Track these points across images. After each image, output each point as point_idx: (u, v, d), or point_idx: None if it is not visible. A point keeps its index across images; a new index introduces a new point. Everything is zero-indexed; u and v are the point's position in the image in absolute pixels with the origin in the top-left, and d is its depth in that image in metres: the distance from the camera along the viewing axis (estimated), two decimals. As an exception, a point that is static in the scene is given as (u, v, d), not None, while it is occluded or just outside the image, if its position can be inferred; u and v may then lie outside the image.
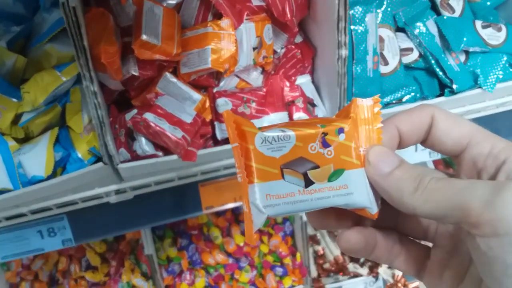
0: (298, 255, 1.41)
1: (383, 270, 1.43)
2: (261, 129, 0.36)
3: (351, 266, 1.43)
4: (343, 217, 0.39)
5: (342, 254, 1.44)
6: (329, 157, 0.36)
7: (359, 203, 0.36)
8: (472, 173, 0.35)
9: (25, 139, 0.80)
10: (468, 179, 0.32)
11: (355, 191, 0.36)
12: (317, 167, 0.36)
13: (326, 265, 1.44)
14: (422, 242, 0.41)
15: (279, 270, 1.38)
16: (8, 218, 0.84)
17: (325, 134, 0.36)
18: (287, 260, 1.40)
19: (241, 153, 0.35)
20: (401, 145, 0.37)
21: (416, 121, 0.36)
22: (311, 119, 0.38)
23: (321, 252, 1.45)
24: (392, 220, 0.40)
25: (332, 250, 1.44)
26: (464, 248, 0.36)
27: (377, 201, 0.36)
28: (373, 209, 0.36)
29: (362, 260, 1.45)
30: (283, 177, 0.35)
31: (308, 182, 0.35)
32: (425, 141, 0.37)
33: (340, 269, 1.43)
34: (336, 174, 0.36)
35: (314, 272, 1.44)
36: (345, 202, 0.36)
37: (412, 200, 0.32)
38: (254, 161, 0.35)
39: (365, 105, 0.38)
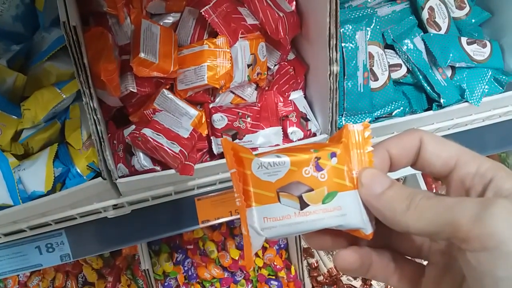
0: (292, 268, 1.42)
1: (376, 282, 1.44)
2: (258, 155, 0.38)
3: (344, 279, 1.44)
4: (338, 237, 0.40)
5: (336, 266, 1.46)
6: (323, 180, 0.37)
7: (353, 224, 0.37)
8: (461, 192, 0.36)
9: (25, 156, 0.81)
10: (457, 197, 0.33)
11: (348, 212, 0.37)
12: (311, 190, 0.37)
13: (320, 278, 1.45)
14: (416, 260, 0.42)
15: (274, 284, 1.39)
16: (6, 234, 0.85)
17: (318, 158, 0.38)
18: (282, 273, 1.41)
19: (239, 178, 0.37)
20: (392, 168, 0.39)
21: (405, 144, 0.38)
22: (305, 145, 0.40)
23: (315, 265, 1.46)
24: (387, 239, 0.42)
25: (325, 262, 1.45)
26: (457, 265, 0.37)
27: (371, 222, 0.38)
28: (367, 230, 0.37)
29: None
30: (279, 200, 0.37)
31: (303, 205, 0.37)
32: (415, 164, 0.39)
33: (334, 282, 1.44)
34: (329, 196, 0.37)
35: (308, 285, 1.45)
36: (339, 223, 0.37)
37: (404, 218, 0.34)
38: (251, 185, 0.37)
39: (355, 130, 0.39)
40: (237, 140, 0.84)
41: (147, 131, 0.75)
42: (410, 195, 0.34)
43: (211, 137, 0.86)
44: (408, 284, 0.40)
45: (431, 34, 0.96)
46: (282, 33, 0.83)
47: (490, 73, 0.97)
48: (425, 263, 0.41)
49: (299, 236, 1.33)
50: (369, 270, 0.39)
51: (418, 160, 0.38)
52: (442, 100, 0.92)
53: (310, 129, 0.88)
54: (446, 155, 0.37)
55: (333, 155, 0.38)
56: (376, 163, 0.38)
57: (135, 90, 0.80)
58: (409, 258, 0.42)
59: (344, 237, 0.40)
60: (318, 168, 0.38)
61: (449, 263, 0.38)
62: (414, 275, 0.40)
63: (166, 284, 1.34)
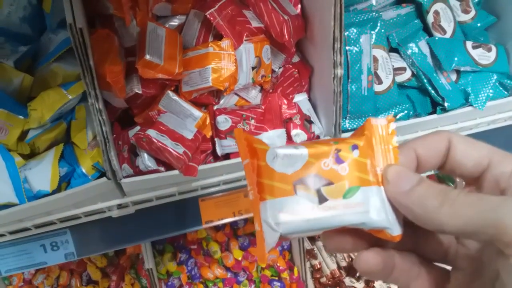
0: (295, 269, 1.42)
1: (379, 284, 1.44)
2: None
3: (347, 280, 1.44)
4: (360, 239, 0.37)
5: (339, 268, 1.46)
6: (343, 174, 0.34)
7: (377, 222, 0.34)
8: (495, 193, 0.34)
9: (31, 155, 0.82)
10: (501, 196, 0.31)
11: (371, 209, 0.34)
12: (331, 183, 0.34)
13: (323, 280, 1.45)
14: (441, 265, 0.40)
15: (277, 285, 1.39)
16: (12, 233, 0.86)
17: (338, 150, 0.35)
18: (285, 275, 1.41)
19: (252, 169, 0.34)
20: (419, 169, 0.37)
21: (433, 144, 0.36)
22: (325, 140, 0.38)
23: (318, 266, 1.46)
24: (409, 242, 0.39)
25: (328, 264, 1.45)
26: (487, 271, 0.34)
27: (399, 223, 0.35)
28: (394, 230, 0.34)
29: (358, 274, 1.46)
30: (295, 193, 0.34)
31: (322, 199, 0.34)
32: (444, 166, 0.36)
33: (336, 283, 1.44)
34: (351, 191, 0.34)
35: (311, 286, 1.45)
36: (361, 221, 0.34)
37: (438, 215, 0.31)
38: (265, 177, 0.34)
39: (379, 125, 0.36)
40: (240, 142, 0.85)
41: (151, 132, 0.76)
42: (443, 191, 0.32)
43: (215, 139, 0.86)
44: None
45: (436, 38, 0.96)
46: (286, 36, 0.84)
47: (495, 77, 0.97)
48: (449, 268, 0.39)
49: (302, 237, 1.33)
50: (391, 274, 0.37)
51: (447, 161, 0.36)
52: (446, 104, 0.92)
53: (313, 132, 0.88)
54: (477, 155, 0.35)
55: (355, 147, 0.35)
56: (402, 162, 0.36)
57: (140, 92, 0.81)
58: (433, 263, 0.39)
59: (366, 239, 0.37)
60: (339, 160, 0.35)
61: (478, 269, 0.36)
62: (438, 281, 0.38)
63: (169, 283, 1.35)
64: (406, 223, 0.35)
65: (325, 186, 0.34)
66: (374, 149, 0.36)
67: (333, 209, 0.34)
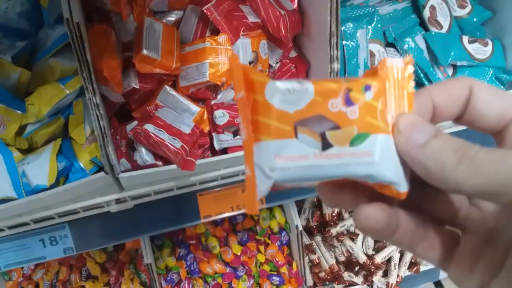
0: (294, 264, 1.43)
1: (377, 279, 1.44)
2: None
3: (346, 275, 1.45)
4: (361, 194, 0.33)
5: (337, 263, 1.46)
6: (353, 117, 0.30)
7: (384, 175, 0.30)
8: None
9: (29, 150, 0.83)
10: None
11: (380, 161, 0.30)
12: (337, 127, 0.30)
13: (322, 274, 1.46)
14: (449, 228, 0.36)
15: (276, 279, 1.40)
16: (11, 227, 0.87)
17: (349, 90, 0.30)
18: (284, 269, 1.42)
19: (247, 104, 0.29)
20: (434, 119, 0.33)
21: (452, 92, 0.32)
22: (335, 78, 0.33)
23: (317, 261, 1.46)
24: (417, 200, 0.35)
25: (327, 259, 1.45)
26: (503, 237, 0.31)
27: (406, 178, 0.31)
28: (401, 186, 0.31)
29: (356, 268, 1.47)
30: (296, 136, 0.30)
31: (326, 145, 0.30)
32: (462, 117, 0.33)
33: (335, 278, 1.45)
34: (360, 138, 0.30)
35: (310, 281, 1.46)
36: (368, 173, 0.30)
37: (455, 173, 0.27)
38: (262, 115, 0.30)
39: (395, 67, 0.32)
40: (238, 136, 0.85)
41: (149, 127, 0.76)
42: (462, 146, 0.28)
43: (213, 133, 0.87)
44: (438, 254, 0.34)
45: (433, 33, 0.97)
46: (283, 31, 0.84)
47: (491, 71, 0.97)
48: (459, 232, 0.36)
49: (301, 232, 1.34)
50: (394, 234, 0.33)
51: (467, 111, 0.32)
52: (442, 99, 0.92)
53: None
54: (501, 106, 0.31)
55: (368, 88, 0.31)
56: (417, 110, 0.31)
57: (137, 87, 0.81)
58: (441, 225, 0.35)
59: (367, 195, 0.33)
60: (348, 102, 0.30)
61: (492, 233, 0.33)
62: (446, 244, 0.34)
63: (168, 278, 1.35)
64: (412, 178, 0.31)
65: (331, 130, 0.30)
66: (387, 94, 0.31)
67: (337, 157, 0.30)
